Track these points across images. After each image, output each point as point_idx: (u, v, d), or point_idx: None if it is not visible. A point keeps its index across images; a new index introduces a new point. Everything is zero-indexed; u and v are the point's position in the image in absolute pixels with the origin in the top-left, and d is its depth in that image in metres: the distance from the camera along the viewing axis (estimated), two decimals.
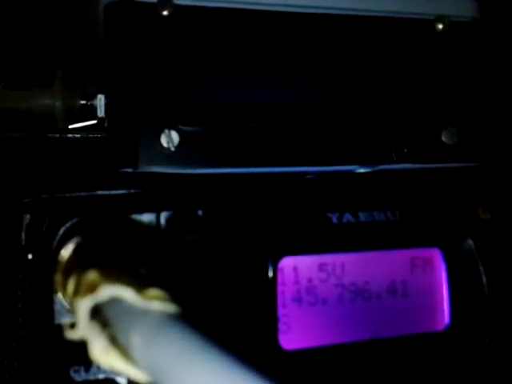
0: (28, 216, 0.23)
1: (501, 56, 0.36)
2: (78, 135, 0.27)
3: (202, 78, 0.25)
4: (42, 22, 0.36)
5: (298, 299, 0.27)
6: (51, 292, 0.23)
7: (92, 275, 0.18)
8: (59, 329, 0.23)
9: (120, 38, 0.25)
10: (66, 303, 0.22)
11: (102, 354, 0.16)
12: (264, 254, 0.26)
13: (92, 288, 0.17)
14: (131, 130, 0.24)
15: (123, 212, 0.25)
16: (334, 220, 0.28)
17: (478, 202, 0.30)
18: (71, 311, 0.22)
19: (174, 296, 0.17)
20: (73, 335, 0.17)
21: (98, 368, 0.23)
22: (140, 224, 0.25)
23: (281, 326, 0.27)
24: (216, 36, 0.25)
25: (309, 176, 0.28)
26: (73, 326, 0.17)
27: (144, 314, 0.16)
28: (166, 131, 0.24)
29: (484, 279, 0.29)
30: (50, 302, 0.23)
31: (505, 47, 0.36)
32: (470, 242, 0.30)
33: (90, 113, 0.27)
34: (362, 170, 0.28)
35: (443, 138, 0.28)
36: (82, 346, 0.17)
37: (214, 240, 0.26)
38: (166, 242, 0.25)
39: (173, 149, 0.24)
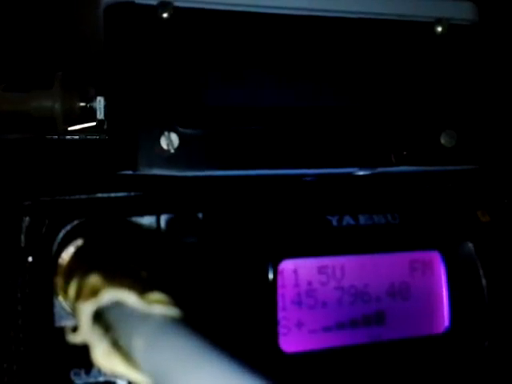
0: (28, 218, 0.23)
1: (499, 59, 0.36)
2: (78, 137, 0.27)
3: (201, 80, 0.25)
4: (41, 24, 0.36)
5: (297, 302, 0.27)
6: (51, 295, 0.23)
7: (94, 279, 0.18)
8: (59, 331, 0.23)
9: (120, 40, 0.25)
10: (66, 306, 0.22)
11: (105, 357, 0.16)
12: (264, 257, 0.26)
13: (94, 292, 0.17)
14: (131, 132, 0.24)
15: (123, 214, 0.25)
16: (334, 223, 0.28)
17: (478, 205, 0.30)
18: (72, 314, 0.22)
19: (175, 299, 0.17)
20: (75, 339, 0.17)
21: (99, 371, 0.23)
22: (140, 226, 0.25)
23: (281, 329, 0.27)
24: (216, 39, 0.25)
25: (308, 178, 0.28)
26: (75, 329, 0.17)
27: (146, 317, 0.16)
28: (166, 133, 0.24)
29: (483, 282, 0.29)
30: (50, 304, 0.23)
31: (503, 50, 0.37)
32: (470, 244, 0.30)
33: (90, 115, 0.27)
34: (361, 173, 0.28)
35: (442, 141, 0.28)
36: (82, 349, 0.17)
37: (214, 243, 0.26)
38: (166, 244, 0.25)
39: (172, 151, 0.24)
